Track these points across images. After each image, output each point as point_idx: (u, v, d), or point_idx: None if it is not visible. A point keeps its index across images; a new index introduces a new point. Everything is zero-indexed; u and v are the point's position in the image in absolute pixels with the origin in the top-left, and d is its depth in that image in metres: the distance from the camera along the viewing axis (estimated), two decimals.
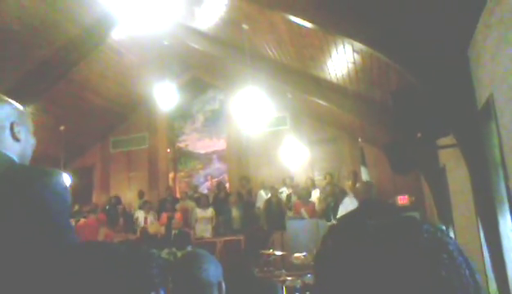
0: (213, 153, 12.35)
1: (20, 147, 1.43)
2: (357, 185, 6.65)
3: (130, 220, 10.82)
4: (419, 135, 5.08)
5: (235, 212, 9.94)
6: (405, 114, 5.09)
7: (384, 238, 0.65)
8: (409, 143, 5.37)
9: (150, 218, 10.45)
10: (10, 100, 1.46)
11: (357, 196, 4.57)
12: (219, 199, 10.60)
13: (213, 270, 1.77)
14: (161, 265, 0.78)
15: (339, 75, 7.30)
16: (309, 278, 6.51)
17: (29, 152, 1.49)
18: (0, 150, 1.36)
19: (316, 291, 0.71)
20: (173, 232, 9.37)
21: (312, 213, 9.03)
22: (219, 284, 1.78)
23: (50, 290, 0.75)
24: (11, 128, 1.41)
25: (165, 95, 9.09)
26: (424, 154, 6.26)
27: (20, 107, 1.49)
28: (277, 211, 9.67)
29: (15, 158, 1.39)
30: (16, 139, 1.42)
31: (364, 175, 8.81)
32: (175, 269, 1.89)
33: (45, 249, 1.11)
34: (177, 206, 10.64)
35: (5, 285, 1.08)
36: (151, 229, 10.06)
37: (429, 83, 4.72)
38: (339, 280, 0.65)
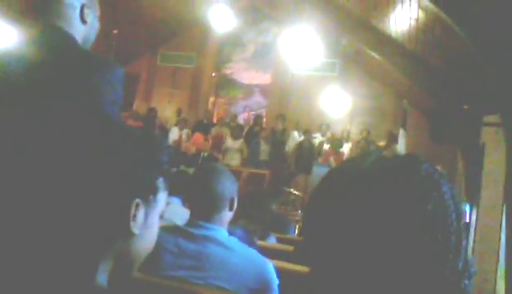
0: (256, 85, 12.31)
1: (86, 30, 1.45)
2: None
3: (164, 134, 11.08)
4: (465, 107, 4.93)
5: (263, 146, 10.01)
6: (457, 84, 4.93)
7: (379, 174, 0.65)
8: (454, 113, 5.23)
9: (184, 136, 10.67)
10: None
11: None
12: (253, 132, 10.64)
13: (228, 185, 1.81)
14: (171, 153, 0.84)
15: (399, 30, 7.01)
16: None
17: (93, 36, 1.51)
18: (67, 31, 1.38)
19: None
20: (202, 154, 9.59)
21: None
22: (231, 200, 1.82)
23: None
24: (82, 9, 1.42)
25: (220, 18, 9.00)
26: (467, 128, 6.08)
27: None
28: (307, 155, 9.69)
29: (79, 41, 1.42)
30: (84, 21, 1.43)
31: (401, 137, 8.67)
32: (193, 177, 1.97)
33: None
34: (212, 130, 10.80)
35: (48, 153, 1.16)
36: (183, 147, 10.32)
37: (490, 59, 4.50)
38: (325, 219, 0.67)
